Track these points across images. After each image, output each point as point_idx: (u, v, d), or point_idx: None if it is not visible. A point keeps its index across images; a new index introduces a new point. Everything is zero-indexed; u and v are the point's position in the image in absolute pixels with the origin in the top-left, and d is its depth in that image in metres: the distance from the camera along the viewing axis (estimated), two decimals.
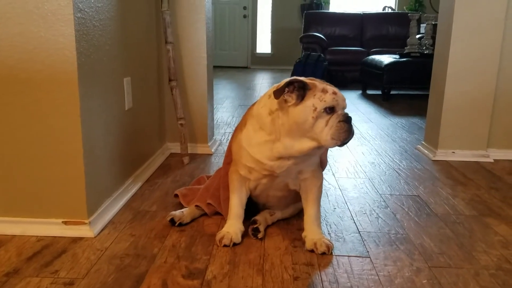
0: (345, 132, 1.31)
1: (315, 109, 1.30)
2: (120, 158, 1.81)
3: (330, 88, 1.33)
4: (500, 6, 2.40)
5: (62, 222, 1.50)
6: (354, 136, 3.11)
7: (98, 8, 1.56)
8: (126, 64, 1.87)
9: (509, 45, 2.49)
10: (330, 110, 1.30)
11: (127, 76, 1.89)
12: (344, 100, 1.35)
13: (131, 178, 1.94)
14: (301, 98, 1.31)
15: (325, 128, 1.30)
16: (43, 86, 1.41)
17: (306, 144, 1.34)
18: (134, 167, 2.01)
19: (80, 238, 1.48)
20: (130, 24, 1.93)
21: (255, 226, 1.53)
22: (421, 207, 1.86)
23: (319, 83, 1.34)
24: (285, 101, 1.33)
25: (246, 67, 8.87)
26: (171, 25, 2.34)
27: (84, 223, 1.50)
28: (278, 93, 1.32)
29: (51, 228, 1.50)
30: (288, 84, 1.31)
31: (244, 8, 8.65)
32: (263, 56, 8.92)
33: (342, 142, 1.32)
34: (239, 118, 3.60)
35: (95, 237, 1.50)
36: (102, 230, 1.56)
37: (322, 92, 1.31)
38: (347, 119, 1.32)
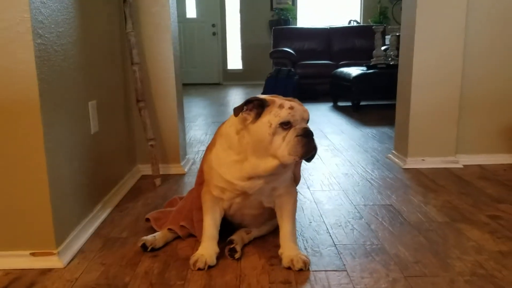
0: (302, 147, 1.28)
1: (270, 125, 1.29)
2: (87, 184, 1.77)
3: (288, 103, 1.32)
4: (460, 16, 2.48)
5: (30, 253, 1.45)
6: (327, 148, 3.16)
7: (59, 33, 1.54)
8: (90, 87, 1.84)
9: (471, 52, 2.57)
10: (286, 125, 1.29)
11: (92, 99, 1.85)
12: (303, 114, 1.33)
13: (100, 204, 1.90)
14: (259, 115, 1.31)
15: (282, 144, 1.29)
16: (4, 116, 1.37)
17: (270, 163, 1.33)
18: (103, 192, 1.96)
19: (49, 270, 1.43)
20: (94, 47, 1.90)
21: (231, 246, 1.51)
22: (395, 216, 1.87)
23: (278, 99, 1.34)
24: (245, 119, 1.33)
25: (218, 84, 8.88)
26: (137, 46, 2.32)
27: (52, 254, 1.45)
28: (237, 110, 1.32)
29: (19, 260, 1.45)
30: (247, 102, 1.32)
31: (213, 25, 8.70)
32: (234, 72, 8.96)
33: (302, 157, 1.30)
34: (212, 136, 3.58)
35: (64, 267, 1.45)
36: (72, 260, 1.51)
37: (279, 108, 1.30)
38: (305, 133, 1.29)
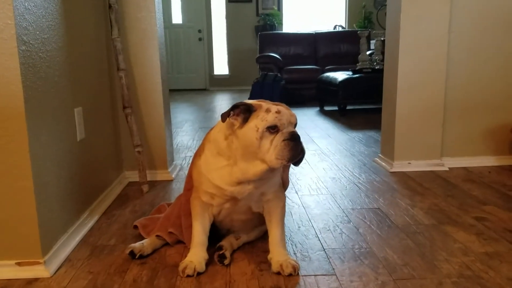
0: (289, 150, 1.28)
1: (257, 129, 1.29)
2: (74, 191, 1.75)
3: (275, 107, 1.32)
4: (443, 21, 2.52)
5: (16, 263, 1.43)
6: (315, 152, 3.17)
7: (44, 39, 1.52)
8: (76, 94, 1.83)
9: (454, 56, 2.61)
10: (273, 129, 1.30)
11: (77, 106, 1.84)
12: (290, 118, 1.33)
13: (87, 211, 1.87)
14: (246, 120, 1.31)
15: (270, 148, 1.30)
16: None
17: (259, 167, 1.33)
18: (90, 199, 1.94)
19: (36, 279, 1.41)
20: (79, 53, 1.89)
21: (221, 252, 1.50)
22: (382, 219, 1.89)
23: (265, 104, 1.34)
24: (232, 124, 1.33)
25: (205, 89, 8.87)
26: (123, 52, 2.31)
27: (39, 263, 1.43)
28: (224, 116, 1.32)
29: (4, 270, 1.42)
30: (234, 107, 1.32)
31: (199, 31, 8.70)
32: (221, 78, 8.96)
33: (290, 161, 1.30)
34: (199, 141, 3.57)
35: (51, 276, 1.43)
36: (59, 269, 1.49)
37: (266, 112, 1.31)
38: (291, 137, 1.30)
